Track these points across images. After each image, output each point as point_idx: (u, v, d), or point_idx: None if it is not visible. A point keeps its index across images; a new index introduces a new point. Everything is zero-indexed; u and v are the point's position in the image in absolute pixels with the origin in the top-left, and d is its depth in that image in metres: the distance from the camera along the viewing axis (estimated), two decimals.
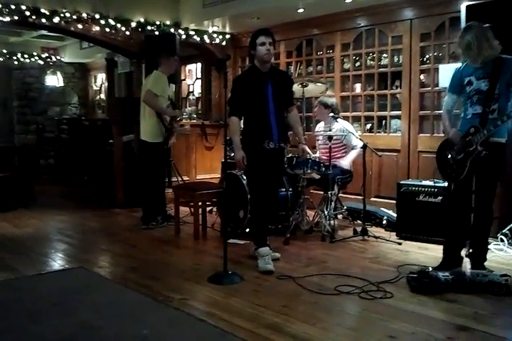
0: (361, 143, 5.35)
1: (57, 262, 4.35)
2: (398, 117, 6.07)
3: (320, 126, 5.87)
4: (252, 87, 4.10)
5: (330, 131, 5.42)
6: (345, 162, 5.48)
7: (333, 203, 5.25)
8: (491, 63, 3.69)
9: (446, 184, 4.64)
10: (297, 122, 4.42)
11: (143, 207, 5.77)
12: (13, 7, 6.06)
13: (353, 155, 5.57)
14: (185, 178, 6.92)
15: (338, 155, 5.56)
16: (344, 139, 5.55)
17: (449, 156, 3.90)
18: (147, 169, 5.67)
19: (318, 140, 5.83)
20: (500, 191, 4.70)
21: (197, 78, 9.20)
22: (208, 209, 5.71)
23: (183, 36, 7.26)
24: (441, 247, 4.53)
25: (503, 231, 4.64)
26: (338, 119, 5.50)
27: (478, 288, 3.41)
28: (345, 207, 5.56)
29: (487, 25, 3.82)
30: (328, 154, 5.23)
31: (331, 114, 5.45)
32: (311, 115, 6.83)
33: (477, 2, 4.72)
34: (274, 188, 4.41)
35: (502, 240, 4.57)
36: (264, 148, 4.11)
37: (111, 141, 7.39)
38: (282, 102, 4.20)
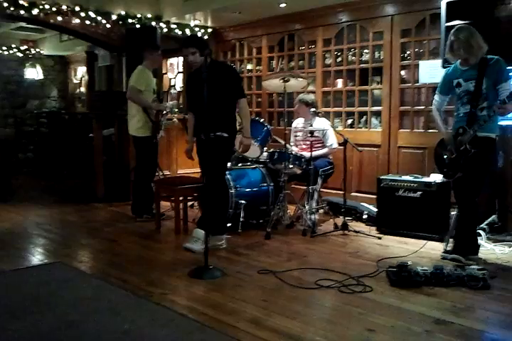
0: (336, 144, 5.47)
1: (36, 257, 4.31)
2: (379, 113, 6.10)
3: (299, 122, 5.89)
4: (192, 84, 4.40)
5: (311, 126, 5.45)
6: (307, 154, 5.49)
7: (315, 196, 5.28)
8: (477, 64, 3.85)
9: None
10: (244, 116, 4.50)
11: (134, 199, 5.82)
12: None
13: (320, 151, 5.61)
14: (167, 173, 6.89)
15: (314, 150, 5.58)
16: (321, 135, 5.58)
17: (445, 156, 4.05)
18: (138, 162, 5.77)
19: (296, 136, 5.85)
20: None
21: (178, 72, 9.14)
22: (189, 203, 5.70)
23: (165, 30, 7.19)
24: (420, 241, 4.64)
25: (481, 225, 4.71)
26: (318, 116, 5.54)
27: (456, 282, 3.46)
28: (325, 202, 5.59)
29: (459, 23, 3.98)
30: (307, 149, 5.27)
31: (313, 109, 5.48)
32: (293, 110, 6.86)
33: None
34: (215, 176, 4.35)
35: (480, 234, 4.62)
36: (201, 140, 4.34)
37: (91, 134, 7.33)
38: (222, 96, 4.26)
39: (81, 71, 11.05)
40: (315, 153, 5.48)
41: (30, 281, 3.64)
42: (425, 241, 4.45)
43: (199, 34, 7.61)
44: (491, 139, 3.89)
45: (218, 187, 4.39)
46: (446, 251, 4.19)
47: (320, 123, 5.56)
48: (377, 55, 6.14)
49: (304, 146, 5.66)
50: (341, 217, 5.21)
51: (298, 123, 5.91)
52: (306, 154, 5.38)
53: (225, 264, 4.00)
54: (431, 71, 5.36)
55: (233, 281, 3.64)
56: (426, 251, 4.33)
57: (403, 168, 5.68)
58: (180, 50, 4.39)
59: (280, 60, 7.22)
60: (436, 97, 4.21)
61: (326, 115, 6.02)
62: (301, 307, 3.16)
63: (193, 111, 4.57)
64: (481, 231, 4.64)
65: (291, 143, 5.92)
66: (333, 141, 5.58)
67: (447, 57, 4.09)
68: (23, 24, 8.49)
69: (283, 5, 6.25)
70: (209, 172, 4.25)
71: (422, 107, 5.69)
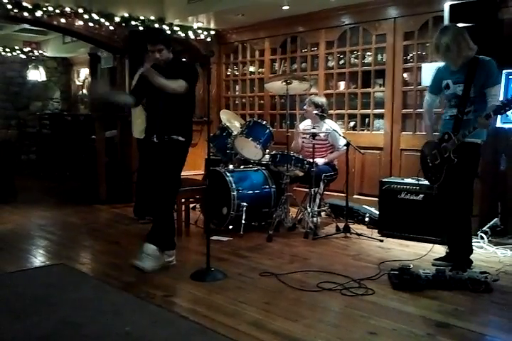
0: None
1: (39, 258, 4.31)
2: (381, 115, 6.10)
3: (306, 125, 5.86)
4: (149, 83, 3.92)
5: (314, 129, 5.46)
6: (320, 161, 5.48)
7: (317, 200, 5.28)
8: (466, 65, 3.71)
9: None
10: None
11: (136, 200, 5.82)
12: None
13: (331, 155, 5.60)
14: None
15: (324, 155, 5.58)
16: (330, 138, 5.56)
17: (429, 160, 3.96)
18: (141, 164, 5.69)
19: (304, 137, 5.83)
20: (480, 189, 4.78)
21: None
22: (191, 205, 5.70)
23: (168, 32, 7.19)
24: (422, 244, 4.64)
25: (483, 229, 4.70)
26: (326, 120, 5.52)
27: (458, 285, 3.45)
28: (327, 204, 5.58)
29: (462, 25, 3.88)
30: (317, 155, 5.26)
31: (315, 112, 5.47)
32: (295, 112, 6.87)
33: (460, 1, 4.74)
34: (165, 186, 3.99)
35: (482, 238, 4.62)
36: (153, 142, 3.97)
37: (93, 136, 7.34)
38: (177, 96, 3.84)
39: (84, 73, 11.07)
40: (326, 159, 5.51)
41: (32, 283, 3.65)
42: (431, 245, 4.40)
43: (202, 36, 7.62)
44: (476, 145, 3.77)
45: (167, 199, 4.00)
46: (437, 259, 4.12)
47: (328, 127, 5.52)
48: (379, 57, 6.13)
49: (310, 149, 5.60)
50: (343, 219, 5.21)
51: (305, 125, 5.88)
52: (319, 160, 5.41)
53: (227, 266, 3.99)
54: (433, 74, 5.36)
55: (235, 284, 3.63)
56: (428, 254, 4.32)
57: (405, 170, 5.67)
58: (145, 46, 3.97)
59: (283, 63, 7.23)
60: (427, 97, 4.10)
61: (329, 117, 6.00)
62: (303, 309, 3.16)
63: (145, 110, 4.21)
64: (483, 235, 4.64)
65: (297, 140, 5.88)
66: (343, 142, 5.49)
67: (433, 56, 3.95)
68: (27, 26, 8.50)
69: (286, 7, 6.24)
70: (159, 181, 3.91)
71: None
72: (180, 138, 3.95)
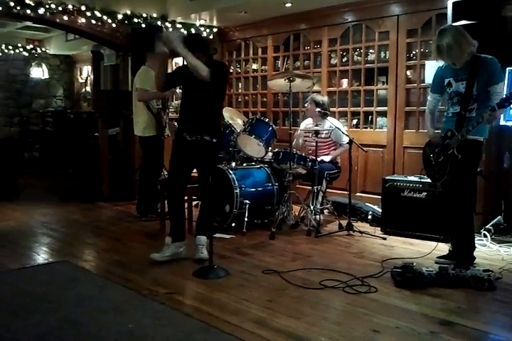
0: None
1: (42, 256, 4.32)
2: (384, 113, 6.09)
3: (308, 123, 5.86)
4: (186, 78, 4.07)
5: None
6: (327, 158, 5.50)
7: (320, 198, 5.27)
8: (469, 64, 3.72)
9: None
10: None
11: (139, 198, 5.82)
12: None
13: (336, 152, 5.61)
14: None
15: (326, 152, 5.59)
16: (332, 136, 5.56)
17: (432, 158, 3.97)
18: (144, 162, 5.75)
19: (306, 136, 5.81)
20: (484, 187, 4.77)
21: None
22: (194, 203, 5.69)
23: (170, 29, 7.20)
24: (425, 242, 4.63)
25: (486, 226, 4.70)
26: (328, 117, 5.51)
27: (461, 283, 3.45)
28: (330, 202, 5.57)
29: (465, 23, 3.89)
30: (320, 154, 5.26)
31: (318, 109, 5.45)
32: (298, 110, 6.86)
33: None
34: (202, 181, 4.25)
35: (485, 235, 4.61)
36: (185, 139, 4.10)
37: (96, 134, 7.35)
38: (214, 95, 3.94)
39: (86, 70, 11.07)
40: (331, 156, 5.50)
41: (35, 280, 3.65)
42: (435, 243, 4.38)
43: (204, 34, 7.60)
44: (478, 142, 3.79)
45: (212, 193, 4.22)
46: (440, 257, 4.12)
47: (330, 124, 5.51)
48: (382, 55, 6.12)
49: (312, 147, 5.59)
50: (346, 217, 5.20)
51: (307, 124, 5.88)
52: (325, 157, 5.44)
53: (230, 264, 3.99)
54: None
55: (238, 281, 3.63)
56: (431, 252, 4.31)
57: (408, 168, 5.66)
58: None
59: (285, 60, 7.22)
60: (430, 97, 4.10)
61: (331, 115, 6.00)
62: (306, 307, 3.16)
63: (180, 108, 4.31)
64: (486, 233, 4.63)
65: (298, 141, 5.88)
66: (346, 139, 5.42)
67: (434, 58, 3.98)
68: (29, 23, 8.51)
69: (288, 5, 6.24)
70: (202, 179, 4.16)
71: None
72: (214, 140, 4.05)
